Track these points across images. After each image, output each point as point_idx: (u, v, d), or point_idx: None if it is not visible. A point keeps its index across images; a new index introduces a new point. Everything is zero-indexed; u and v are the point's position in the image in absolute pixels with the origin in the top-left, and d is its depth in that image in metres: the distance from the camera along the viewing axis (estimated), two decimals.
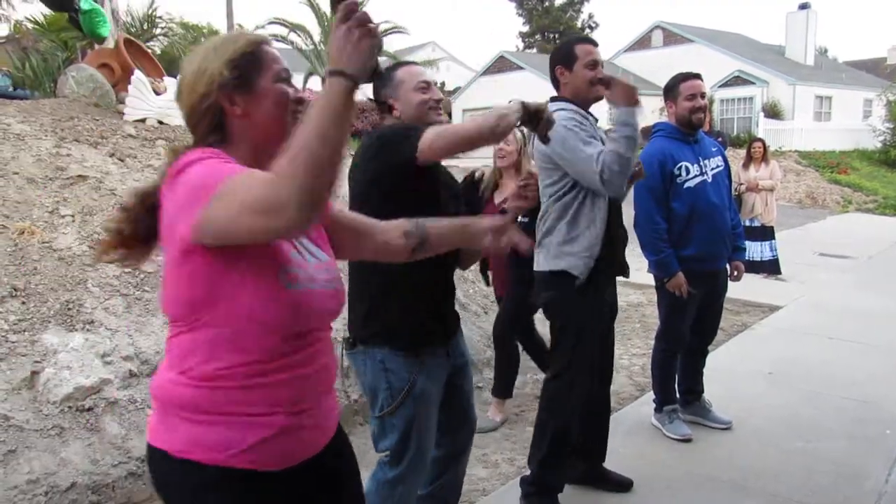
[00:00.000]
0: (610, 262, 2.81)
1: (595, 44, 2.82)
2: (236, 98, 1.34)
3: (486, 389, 4.27)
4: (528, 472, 2.94)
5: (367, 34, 1.16)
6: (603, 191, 2.62)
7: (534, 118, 1.99)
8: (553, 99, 2.83)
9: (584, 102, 2.77)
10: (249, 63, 1.35)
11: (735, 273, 3.76)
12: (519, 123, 2.00)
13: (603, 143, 2.67)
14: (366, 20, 1.16)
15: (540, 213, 2.83)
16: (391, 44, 26.29)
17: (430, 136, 1.98)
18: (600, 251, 2.72)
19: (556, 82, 2.84)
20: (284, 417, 1.34)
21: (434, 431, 2.26)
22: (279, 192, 1.10)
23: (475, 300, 5.17)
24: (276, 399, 1.33)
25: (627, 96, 2.59)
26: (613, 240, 2.81)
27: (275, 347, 1.33)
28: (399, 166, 2.01)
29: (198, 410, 1.31)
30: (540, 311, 3.80)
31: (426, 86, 2.20)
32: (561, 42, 2.98)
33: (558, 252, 2.74)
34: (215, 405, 1.30)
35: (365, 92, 2.09)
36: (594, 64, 2.74)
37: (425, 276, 2.12)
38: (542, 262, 2.82)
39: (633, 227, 3.53)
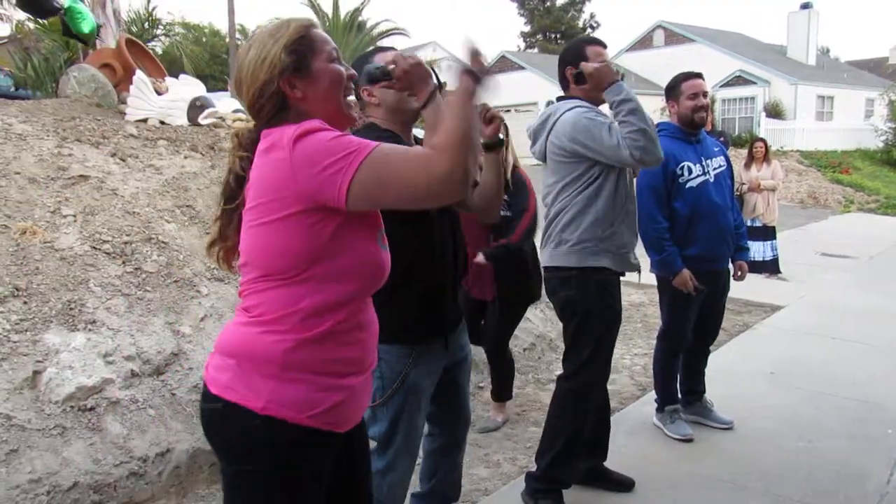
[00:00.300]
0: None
1: (604, 45, 2.84)
2: (296, 82, 1.42)
3: (489, 389, 4.27)
4: (532, 468, 2.94)
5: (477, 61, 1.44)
6: (641, 167, 2.70)
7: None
8: (561, 98, 2.86)
9: (594, 103, 2.79)
10: (304, 46, 1.43)
11: (739, 273, 3.75)
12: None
13: None
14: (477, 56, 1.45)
15: (555, 210, 2.82)
16: (391, 43, 26.28)
17: None
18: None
19: (564, 82, 2.85)
20: (355, 378, 1.45)
21: (423, 423, 2.27)
22: (446, 165, 1.27)
23: None
24: (352, 359, 1.44)
25: (604, 77, 2.66)
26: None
27: (358, 307, 1.45)
28: None
29: (288, 367, 1.36)
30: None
31: None
32: (570, 43, 2.98)
33: (596, 250, 2.74)
34: (306, 363, 1.37)
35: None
36: None
37: (423, 266, 2.12)
38: (561, 258, 2.80)
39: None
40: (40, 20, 10.01)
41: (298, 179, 1.31)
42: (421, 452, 2.39)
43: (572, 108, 2.74)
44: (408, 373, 2.13)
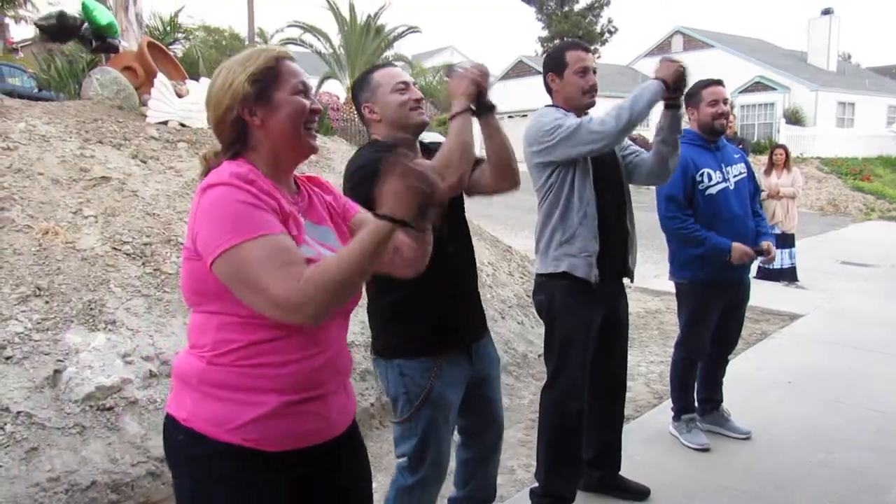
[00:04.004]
0: (605, 262, 2.72)
1: (587, 49, 2.77)
2: (256, 109, 1.45)
3: (503, 395, 4.24)
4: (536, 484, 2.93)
5: (419, 193, 1.29)
6: (599, 136, 2.55)
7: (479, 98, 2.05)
8: (547, 107, 2.81)
9: (575, 110, 2.73)
10: (269, 77, 1.46)
11: (766, 248, 3.48)
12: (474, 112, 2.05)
13: None
14: (421, 181, 1.29)
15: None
16: (409, 47, 26.37)
17: None
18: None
19: (548, 89, 2.81)
20: (278, 399, 1.40)
21: (451, 437, 2.26)
22: (301, 300, 1.27)
23: (492, 304, 5.17)
24: (271, 381, 1.40)
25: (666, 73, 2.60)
26: (609, 238, 2.74)
27: (268, 335, 1.40)
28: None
29: (204, 382, 1.41)
30: None
31: (404, 86, 2.14)
32: (553, 48, 2.91)
33: (558, 254, 2.71)
34: (215, 380, 1.41)
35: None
36: (585, 71, 2.69)
37: (441, 279, 2.09)
38: (537, 265, 2.83)
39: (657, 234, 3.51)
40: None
41: (194, 226, 1.37)
42: (453, 460, 2.38)
43: (537, 114, 2.72)
44: (432, 387, 2.12)
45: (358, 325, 4.06)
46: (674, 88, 2.62)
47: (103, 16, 6.05)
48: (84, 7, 5.94)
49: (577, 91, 2.71)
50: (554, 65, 2.75)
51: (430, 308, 2.13)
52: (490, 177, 2.23)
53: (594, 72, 2.74)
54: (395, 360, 2.16)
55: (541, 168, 2.73)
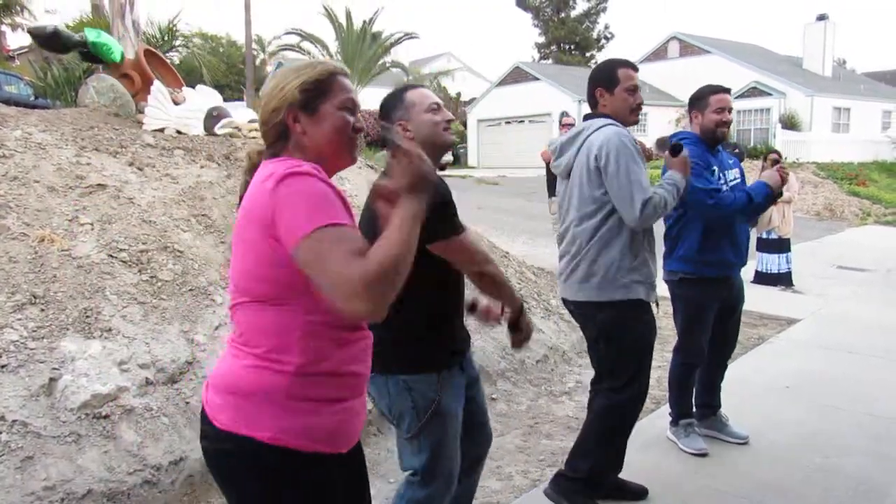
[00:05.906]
0: None
1: (636, 68, 2.89)
2: (300, 117, 1.53)
3: (501, 401, 4.25)
4: (544, 485, 2.93)
5: (418, 165, 1.42)
6: (635, 222, 2.70)
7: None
8: (589, 116, 2.91)
9: (623, 123, 2.84)
10: (319, 88, 1.53)
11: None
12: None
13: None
14: (413, 156, 1.43)
15: (580, 238, 2.83)
16: (406, 53, 26.46)
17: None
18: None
19: (593, 101, 2.91)
20: (352, 401, 1.52)
21: (458, 447, 2.26)
22: (366, 280, 1.28)
23: None
24: (347, 385, 1.51)
25: (684, 168, 2.89)
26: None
27: (348, 337, 1.50)
28: None
29: (290, 398, 1.43)
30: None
31: (437, 107, 2.25)
32: (603, 63, 3.03)
33: (627, 281, 2.76)
34: (305, 394, 1.44)
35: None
36: (634, 88, 2.84)
37: (445, 296, 2.18)
38: (595, 292, 2.81)
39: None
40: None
41: (276, 210, 1.38)
42: None
43: (606, 126, 2.78)
44: (440, 399, 2.14)
45: None
46: None
47: (116, 53, 5.97)
48: (97, 45, 5.88)
49: (625, 108, 2.84)
50: (604, 80, 2.86)
51: (439, 325, 2.18)
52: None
53: (639, 90, 2.88)
54: (399, 375, 2.15)
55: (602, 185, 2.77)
